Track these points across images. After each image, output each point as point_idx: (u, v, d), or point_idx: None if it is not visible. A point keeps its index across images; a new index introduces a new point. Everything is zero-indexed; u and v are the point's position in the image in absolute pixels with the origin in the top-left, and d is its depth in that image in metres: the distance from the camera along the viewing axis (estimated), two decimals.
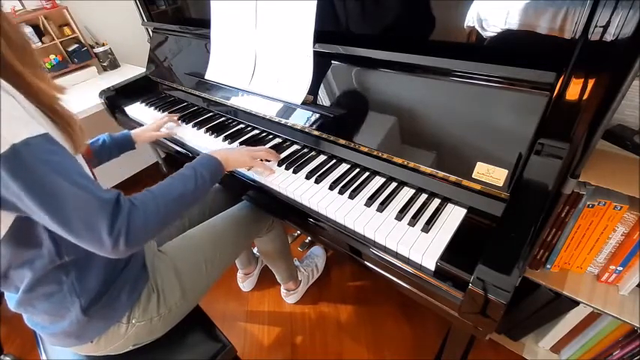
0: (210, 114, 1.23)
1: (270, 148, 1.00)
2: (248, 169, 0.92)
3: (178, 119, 1.23)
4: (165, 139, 1.17)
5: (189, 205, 0.70)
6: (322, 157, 0.94)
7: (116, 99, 1.44)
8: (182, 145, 1.14)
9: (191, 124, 1.19)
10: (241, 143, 1.04)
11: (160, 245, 0.86)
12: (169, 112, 1.29)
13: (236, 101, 1.12)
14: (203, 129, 1.14)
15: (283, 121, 0.99)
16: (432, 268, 0.64)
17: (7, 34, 0.54)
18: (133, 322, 0.73)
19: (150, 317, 0.75)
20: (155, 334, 0.79)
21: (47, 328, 0.69)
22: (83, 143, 0.63)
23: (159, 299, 0.76)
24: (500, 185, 0.66)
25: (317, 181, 0.85)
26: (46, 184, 0.50)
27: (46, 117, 0.57)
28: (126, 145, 1.06)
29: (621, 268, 0.82)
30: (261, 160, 0.91)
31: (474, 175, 0.68)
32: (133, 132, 1.08)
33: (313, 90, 0.93)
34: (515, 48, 0.66)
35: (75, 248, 0.61)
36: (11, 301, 0.66)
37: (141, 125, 1.29)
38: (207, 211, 1.05)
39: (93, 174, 0.74)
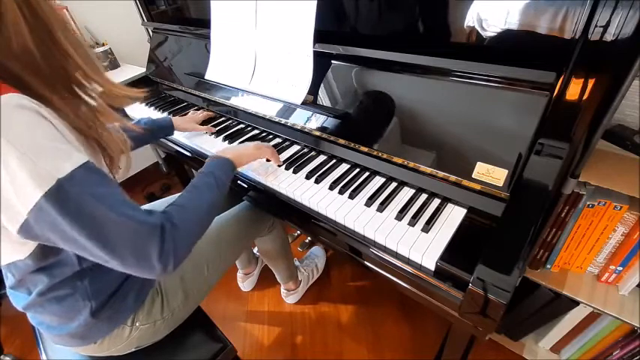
0: (210, 114, 1.23)
1: None
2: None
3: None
4: (164, 139, 1.16)
5: (216, 210, 0.68)
6: (322, 157, 0.94)
7: None
8: (182, 145, 1.14)
9: None
10: (241, 143, 1.04)
11: None
12: (170, 112, 1.29)
13: (236, 101, 1.12)
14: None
15: (283, 121, 0.99)
16: (432, 268, 0.64)
17: (81, 56, 0.53)
18: (137, 324, 0.73)
19: (154, 320, 0.75)
20: (158, 337, 0.79)
21: (54, 329, 0.69)
22: (123, 169, 0.63)
23: (162, 302, 0.76)
24: (500, 185, 0.66)
25: (317, 181, 0.85)
26: (95, 218, 0.48)
27: (81, 137, 0.55)
28: (166, 129, 1.08)
29: (621, 268, 0.82)
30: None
31: (474, 175, 0.68)
32: (173, 119, 1.10)
33: (313, 90, 0.93)
34: (515, 48, 0.66)
35: None
36: (18, 300, 0.65)
37: None
38: None
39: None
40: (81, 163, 0.48)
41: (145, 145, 1.09)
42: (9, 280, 0.62)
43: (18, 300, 0.65)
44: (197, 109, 1.28)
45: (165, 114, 1.29)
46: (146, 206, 0.94)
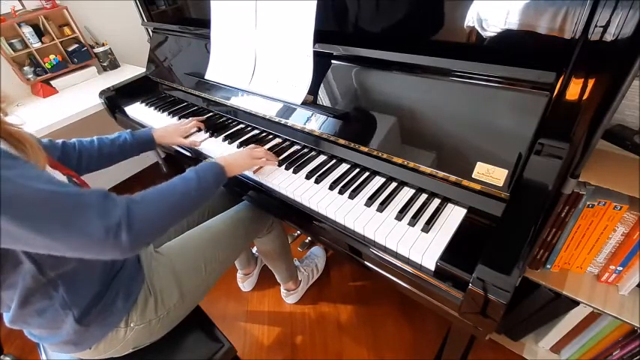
0: (210, 114, 1.23)
1: (269, 148, 1.00)
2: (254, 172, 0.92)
3: (179, 118, 1.23)
4: None
5: (193, 203, 0.70)
6: (322, 157, 0.94)
7: (116, 99, 1.44)
8: (181, 145, 1.14)
9: None
10: (241, 143, 1.04)
11: (158, 246, 0.85)
12: (170, 112, 1.29)
13: (236, 101, 1.12)
14: (203, 129, 1.14)
15: (283, 121, 0.99)
16: (432, 268, 0.64)
17: None
18: (132, 325, 0.73)
19: (148, 320, 0.74)
20: (155, 336, 0.79)
21: (46, 339, 0.70)
22: (40, 159, 0.58)
23: (156, 302, 0.76)
24: (500, 185, 0.66)
25: (317, 181, 0.85)
26: (18, 201, 0.46)
27: None
28: (148, 144, 1.03)
29: (621, 268, 0.82)
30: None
31: (474, 175, 0.68)
32: (154, 132, 1.04)
33: (313, 90, 0.93)
34: (515, 48, 0.66)
35: (58, 262, 0.60)
36: (5, 317, 0.66)
37: (141, 126, 1.29)
38: (207, 212, 1.05)
39: (84, 183, 0.73)
40: None
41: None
42: None
43: (5, 316, 0.66)
44: (197, 111, 1.28)
45: (164, 114, 1.29)
46: None
